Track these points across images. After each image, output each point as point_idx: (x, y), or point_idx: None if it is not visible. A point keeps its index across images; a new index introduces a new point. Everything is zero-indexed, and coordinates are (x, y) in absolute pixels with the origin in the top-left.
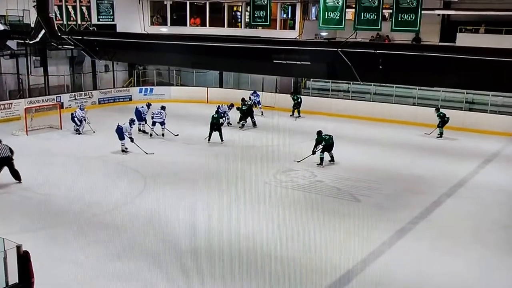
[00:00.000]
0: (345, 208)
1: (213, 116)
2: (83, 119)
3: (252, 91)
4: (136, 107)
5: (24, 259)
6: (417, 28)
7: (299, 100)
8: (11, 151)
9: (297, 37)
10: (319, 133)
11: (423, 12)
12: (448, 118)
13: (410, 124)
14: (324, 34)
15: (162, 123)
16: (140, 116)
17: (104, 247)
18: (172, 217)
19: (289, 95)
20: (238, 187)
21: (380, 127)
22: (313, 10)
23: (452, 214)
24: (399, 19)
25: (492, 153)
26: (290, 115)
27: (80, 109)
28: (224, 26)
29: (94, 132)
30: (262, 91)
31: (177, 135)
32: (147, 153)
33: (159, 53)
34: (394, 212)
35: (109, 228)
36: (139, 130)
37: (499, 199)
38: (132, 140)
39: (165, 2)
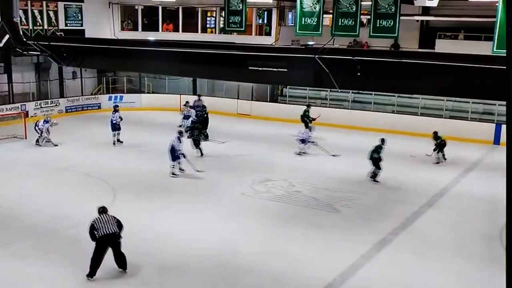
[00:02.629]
0: (324, 219)
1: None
2: (45, 131)
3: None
4: (111, 118)
5: None
6: (396, 34)
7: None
8: (119, 225)
9: (273, 43)
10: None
11: (401, 18)
12: (444, 141)
13: (389, 132)
14: (311, 42)
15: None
16: (113, 126)
17: (72, 262)
18: (144, 231)
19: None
20: (214, 198)
21: (358, 135)
22: (290, 15)
23: (434, 224)
24: (377, 25)
25: (473, 162)
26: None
27: (45, 121)
28: (197, 32)
29: (56, 145)
30: (238, 98)
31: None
32: (198, 171)
33: (130, 59)
34: (374, 222)
35: (76, 243)
36: (118, 140)
37: (481, 209)
38: (184, 156)
39: (136, 7)
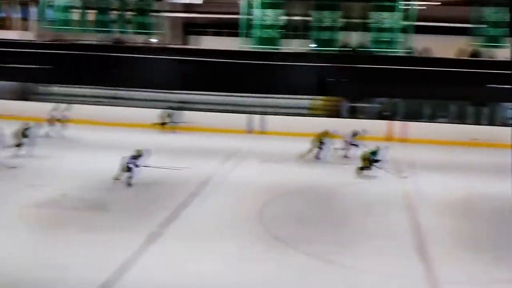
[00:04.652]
0: (94, 220)
1: None
2: None
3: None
4: None
5: None
6: (153, 31)
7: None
8: None
9: None
10: None
11: (165, 15)
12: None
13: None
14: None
15: None
16: None
17: None
18: None
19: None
20: None
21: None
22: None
23: (199, 212)
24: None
25: (233, 150)
26: None
27: None
28: None
29: None
30: None
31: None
32: None
33: None
34: (143, 218)
35: None
36: None
37: (241, 193)
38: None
39: None
